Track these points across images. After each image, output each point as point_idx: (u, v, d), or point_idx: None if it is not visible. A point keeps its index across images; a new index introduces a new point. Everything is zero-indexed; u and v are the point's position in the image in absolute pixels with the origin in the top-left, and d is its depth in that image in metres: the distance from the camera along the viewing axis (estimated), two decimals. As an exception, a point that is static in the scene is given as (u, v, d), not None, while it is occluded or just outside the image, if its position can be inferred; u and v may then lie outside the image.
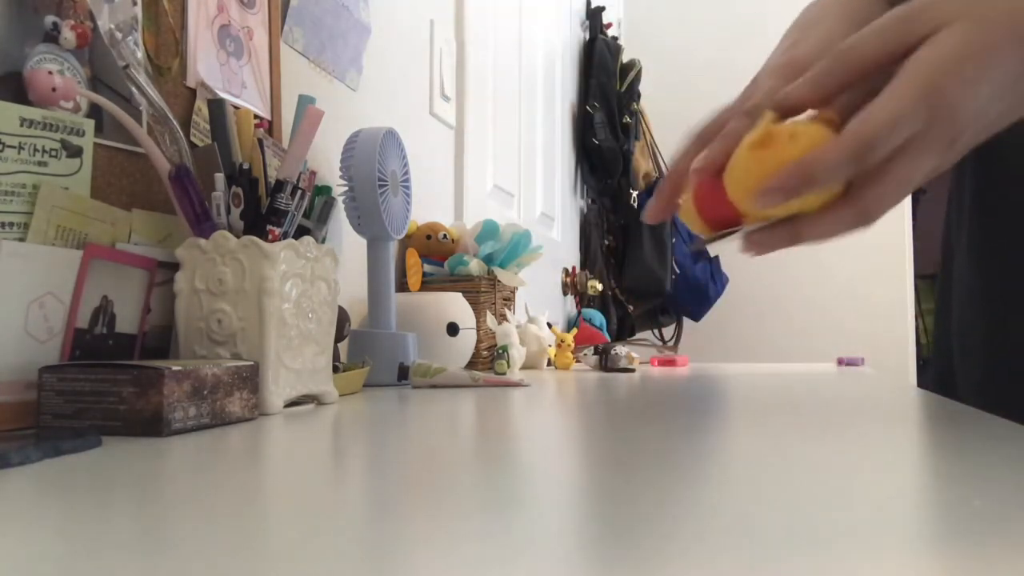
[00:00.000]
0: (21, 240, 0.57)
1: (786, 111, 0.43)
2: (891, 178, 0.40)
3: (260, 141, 0.74)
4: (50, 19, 0.63)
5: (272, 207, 0.70)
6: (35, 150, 0.59)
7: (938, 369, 0.79)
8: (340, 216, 1.00)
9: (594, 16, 2.75)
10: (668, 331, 2.96)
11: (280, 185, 0.70)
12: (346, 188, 0.98)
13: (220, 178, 0.69)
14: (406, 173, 1.07)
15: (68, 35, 0.64)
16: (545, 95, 2.29)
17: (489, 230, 1.35)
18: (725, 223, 0.46)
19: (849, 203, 0.42)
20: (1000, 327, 0.68)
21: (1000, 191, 0.66)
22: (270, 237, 0.69)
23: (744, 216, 0.44)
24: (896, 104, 0.38)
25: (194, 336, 0.66)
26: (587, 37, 2.74)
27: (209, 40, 0.84)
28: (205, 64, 0.83)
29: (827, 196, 0.42)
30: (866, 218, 0.42)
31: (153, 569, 0.22)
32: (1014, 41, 0.40)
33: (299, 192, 0.72)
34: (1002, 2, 0.40)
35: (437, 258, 1.34)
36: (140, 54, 0.72)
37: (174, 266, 0.67)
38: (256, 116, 0.86)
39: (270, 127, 0.94)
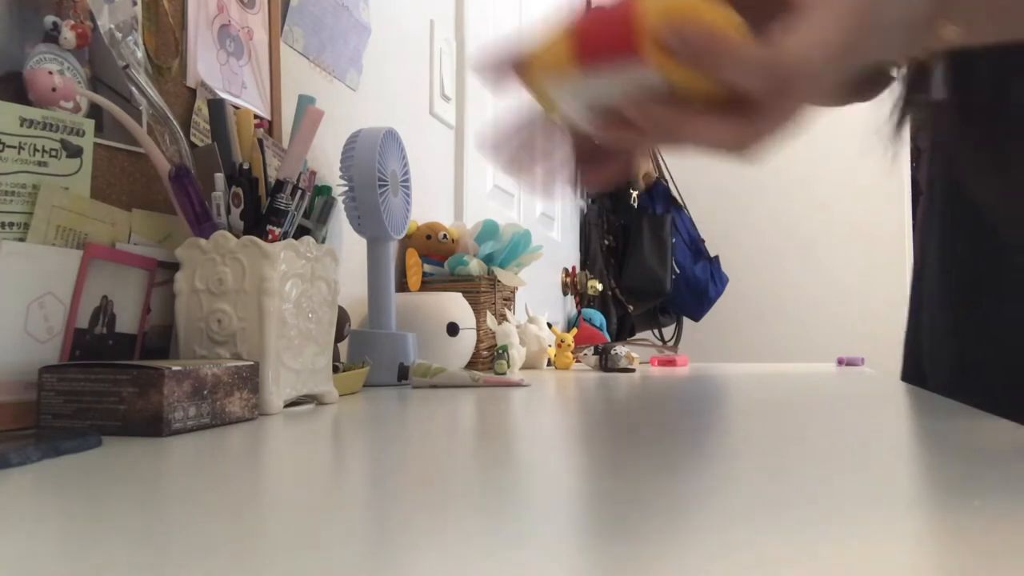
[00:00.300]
0: (21, 240, 0.57)
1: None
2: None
3: (260, 141, 0.74)
4: (50, 19, 0.63)
5: (272, 207, 0.70)
6: (35, 150, 0.59)
7: (909, 367, 0.81)
8: (340, 216, 1.00)
9: (594, 16, 2.74)
10: (668, 331, 2.96)
11: (280, 185, 0.70)
12: (346, 188, 0.98)
13: (220, 178, 0.69)
14: (406, 173, 1.07)
15: (68, 35, 0.64)
16: (545, 95, 2.29)
17: (489, 230, 1.35)
18: (604, 59, 0.39)
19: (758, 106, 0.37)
20: (964, 332, 0.68)
21: (965, 203, 0.67)
22: (270, 237, 0.69)
23: (638, 54, 0.37)
24: (817, 35, 0.35)
25: (194, 336, 0.66)
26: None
27: (209, 40, 0.84)
28: (205, 64, 0.83)
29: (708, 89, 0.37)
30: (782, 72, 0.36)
31: (153, 569, 0.22)
32: None
33: (299, 192, 0.72)
34: None
35: (437, 258, 1.34)
36: (140, 54, 0.72)
37: (174, 266, 0.67)
38: (256, 116, 0.86)
39: (270, 127, 0.94)
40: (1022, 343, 0.61)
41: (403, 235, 1.07)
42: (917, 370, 0.78)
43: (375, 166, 0.97)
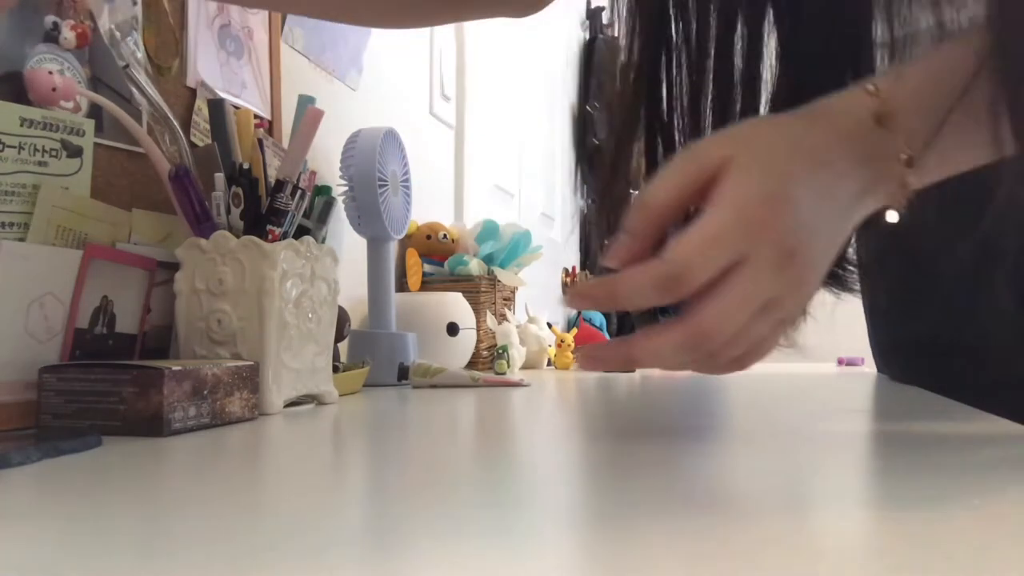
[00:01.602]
0: (21, 240, 0.57)
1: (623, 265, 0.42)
2: (723, 297, 0.38)
3: (260, 141, 0.74)
4: (50, 19, 0.63)
5: (272, 207, 0.70)
6: (35, 150, 0.59)
7: (879, 363, 0.87)
8: (340, 216, 1.00)
9: (594, 16, 2.74)
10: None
11: (280, 185, 0.70)
12: (346, 188, 0.98)
13: (220, 178, 0.69)
14: (406, 173, 1.07)
15: (68, 35, 0.64)
16: (545, 95, 2.29)
17: (489, 230, 1.35)
18: None
19: (681, 320, 0.39)
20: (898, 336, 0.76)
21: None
22: (270, 237, 0.69)
23: None
24: (707, 229, 0.38)
25: (194, 336, 0.66)
26: (587, 37, 2.73)
27: (209, 40, 0.84)
28: (205, 64, 0.83)
29: None
30: (705, 340, 0.39)
31: (153, 569, 0.22)
32: (802, 159, 0.40)
33: (299, 192, 0.72)
34: (767, 127, 0.42)
35: (437, 258, 1.34)
36: (140, 54, 0.72)
37: (174, 266, 0.67)
38: (256, 116, 0.86)
39: (270, 127, 0.94)
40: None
41: (403, 235, 1.07)
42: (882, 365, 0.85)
43: (375, 166, 0.97)
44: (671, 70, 0.56)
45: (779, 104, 0.53)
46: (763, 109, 0.54)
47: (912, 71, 0.43)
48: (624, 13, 0.56)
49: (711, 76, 0.55)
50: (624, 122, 0.57)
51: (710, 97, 0.55)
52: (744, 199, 0.38)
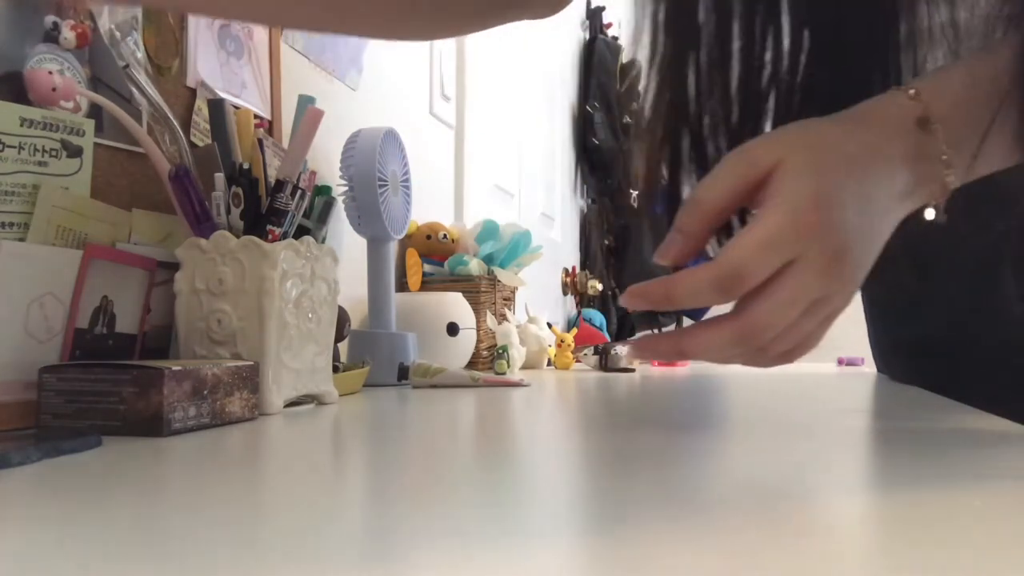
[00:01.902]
0: (21, 240, 0.57)
1: (677, 265, 0.44)
2: (775, 295, 0.40)
3: (260, 141, 0.74)
4: (50, 19, 0.63)
5: (272, 207, 0.70)
6: (35, 150, 0.59)
7: (879, 363, 0.87)
8: (340, 216, 1.00)
9: (594, 16, 2.75)
10: (668, 331, 2.95)
11: (280, 185, 0.70)
12: (346, 188, 0.98)
13: (220, 178, 0.69)
14: (406, 173, 1.07)
15: (68, 35, 0.64)
16: (545, 95, 2.29)
17: (489, 230, 1.35)
18: None
19: (733, 316, 0.41)
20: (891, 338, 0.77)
21: None
22: (270, 237, 0.69)
23: None
24: (763, 231, 0.39)
25: (194, 336, 0.66)
26: (587, 37, 2.74)
27: (209, 40, 0.84)
28: (205, 64, 0.83)
29: None
30: (756, 335, 0.41)
31: (153, 569, 0.22)
32: (848, 163, 0.41)
33: (299, 192, 0.72)
34: (814, 131, 0.43)
35: (437, 258, 1.34)
36: (140, 54, 0.72)
37: (174, 266, 0.67)
38: (256, 116, 0.86)
39: (270, 127, 0.94)
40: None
41: (403, 235, 1.07)
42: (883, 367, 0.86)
43: (375, 166, 0.97)
44: (699, 76, 0.57)
45: (805, 107, 0.54)
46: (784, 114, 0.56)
47: (952, 75, 0.45)
48: (651, 22, 0.58)
49: (737, 77, 0.56)
50: (657, 130, 0.58)
51: (738, 99, 0.57)
52: (797, 202, 0.40)
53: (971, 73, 0.45)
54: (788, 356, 0.44)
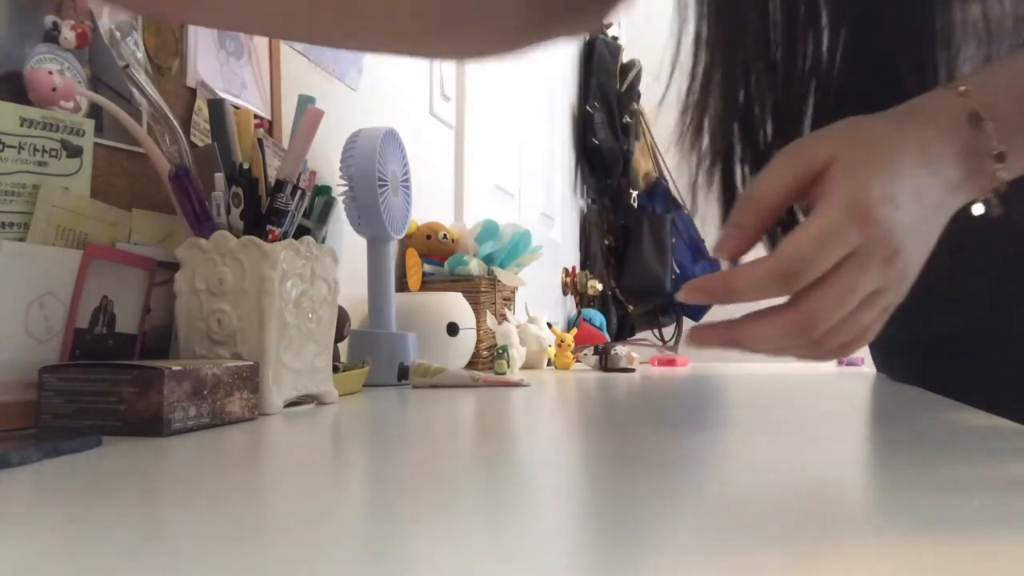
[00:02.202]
0: (21, 240, 0.57)
1: (732, 257, 0.46)
2: (831, 287, 0.41)
3: (260, 141, 0.74)
4: (50, 19, 0.63)
5: (272, 207, 0.70)
6: (35, 150, 0.59)
7: (879, 363, 0.87)
8: (340, 216, 1.00)
9: (594, 16, 2.74)
10: (668, 331, 2.95)
11: (280, 185, 0.70)
12: (346, 188, 0.98)
13: (220, 178, 0.69)
14: (406, 173, 1.07)
15: (68, 35, 0.64)
16: (545, 95, 2.29)
17: (489, 230, 1.35)
18: None
19: (789, 307, 0.42)
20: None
21: None
22: (270, 237, 0.69)
23: None
24: (822, 223, 0.41)
25: (194, 336, 0.66)
26: (587, 37, 2.73)
27: (209, 40, 0.84)
28: (205, 64, 0.83)
29: None
30: (812, 327, 0.42)
31: (153, 569, 0.22)
32: (902, 159, 0.42)
33: (299, 192, 0.72)
34: (867, 127, 0.44)
35: (437, 258, 1.34)
36: (140, 54, 0.72)
37: (174, 266, 0.67)
38: (256, 116, 0.86)
39: (270, 127, 0.94)
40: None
41: (403, 235, 1.07)
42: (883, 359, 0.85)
43: (375, 166, 0.97)
44: (749, 77, 0.59)
45: (841, 105, 0.56)
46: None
47: (998, 72, 0.46)
48: (701, 22, 0.60)
49: (782, 77, 0.58)
50: (719, 131, 0.60)
51: (784, 94, 0.58)
52: (853, 197, 0.41)
53: (1016, 69, 0.46)
54: (844, 349, 0.45)
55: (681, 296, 0.44)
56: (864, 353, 0.94)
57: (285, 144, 0.82)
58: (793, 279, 0.41)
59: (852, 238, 0.40)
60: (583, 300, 2.39)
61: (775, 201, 0.44)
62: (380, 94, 1.28)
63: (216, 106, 0.73)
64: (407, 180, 1.07)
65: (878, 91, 0.47)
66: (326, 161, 1.05)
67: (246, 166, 0.71)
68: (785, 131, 0.59)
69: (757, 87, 0.59)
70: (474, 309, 1.26)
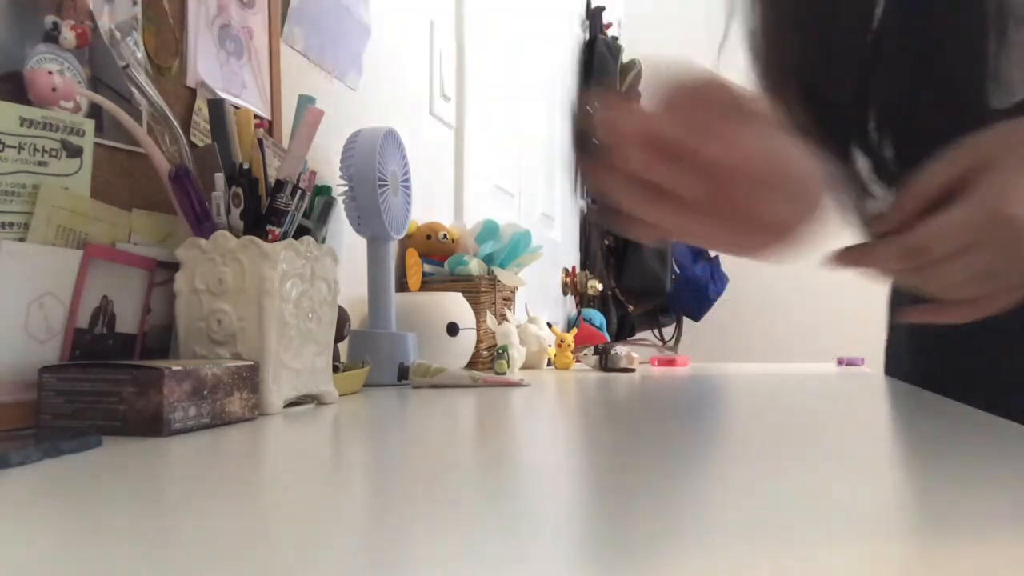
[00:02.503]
0: (21, 240, 0.57)
1: (883, 235, 0.51)
2: (946, 220, 0.46)
3: (260, 141, 0.74)
4: (50, 19, 0.63)
5: (272, 207, 0.70)
6: (35, 150, 0.59)
7: (888, 360, 0.87)
8: (340, 216, 1.00)
9: (594, 16, 2.74)
10: (668, 331, 2.96)
11: (280, 185, 0.70)
12: (346, 188, 0.98)
13: (220, 178, 0.69)
14: (406, 173, 1.07)
15: (68, 35, 0.64)
16: (545, 95, 2.29)
17: (489, 230, 1.35)
18: None
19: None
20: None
21: None
22: (270, 237, 0.69)
23: None
24: (956, 218, 0.46)
25: (194, 336, 0.66)
26: (587, 37, 2.73)
27: (209, 40, 0.84)
28: (205, 64, 0.83)
29: None
30: (914, 255, 0.48)
31: (153, 569, 0.22)
32: None
33: (299, 192, 0.72)
34: (1020, 139, 0.48)
35: (437, 258, 1.34)
36: (140, 54, 0.72)
37: (174, 266, 0.67)
38: (256, 116, 0.86)
39: (270, 127, 0.94)
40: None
41: (403, 235, 1.07)
42: (893, 362, 0.86)
43: (375, 166, 0.97)
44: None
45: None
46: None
47: None
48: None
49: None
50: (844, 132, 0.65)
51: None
52: (999, 200, 0.46)
53: None
54: (972, 308, 0.50)
55: (826, 261, 0.50)
56: (865, 353, 0.93)
57: (285, 144, 0.82)
58: (916, 254, 0.47)
59: (979, 233, 0.46)
60: (583, 300, 2.39)
61: (932, 193, 0.48)
62: (380, 94, 1.28)
63: (216, 106, 0.73)
64: (407, 180, 1.07)
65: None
66: (326, 161, 1.05)
67: (246, 166, 0.71)
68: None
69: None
70: (474, 309, 1.26)
